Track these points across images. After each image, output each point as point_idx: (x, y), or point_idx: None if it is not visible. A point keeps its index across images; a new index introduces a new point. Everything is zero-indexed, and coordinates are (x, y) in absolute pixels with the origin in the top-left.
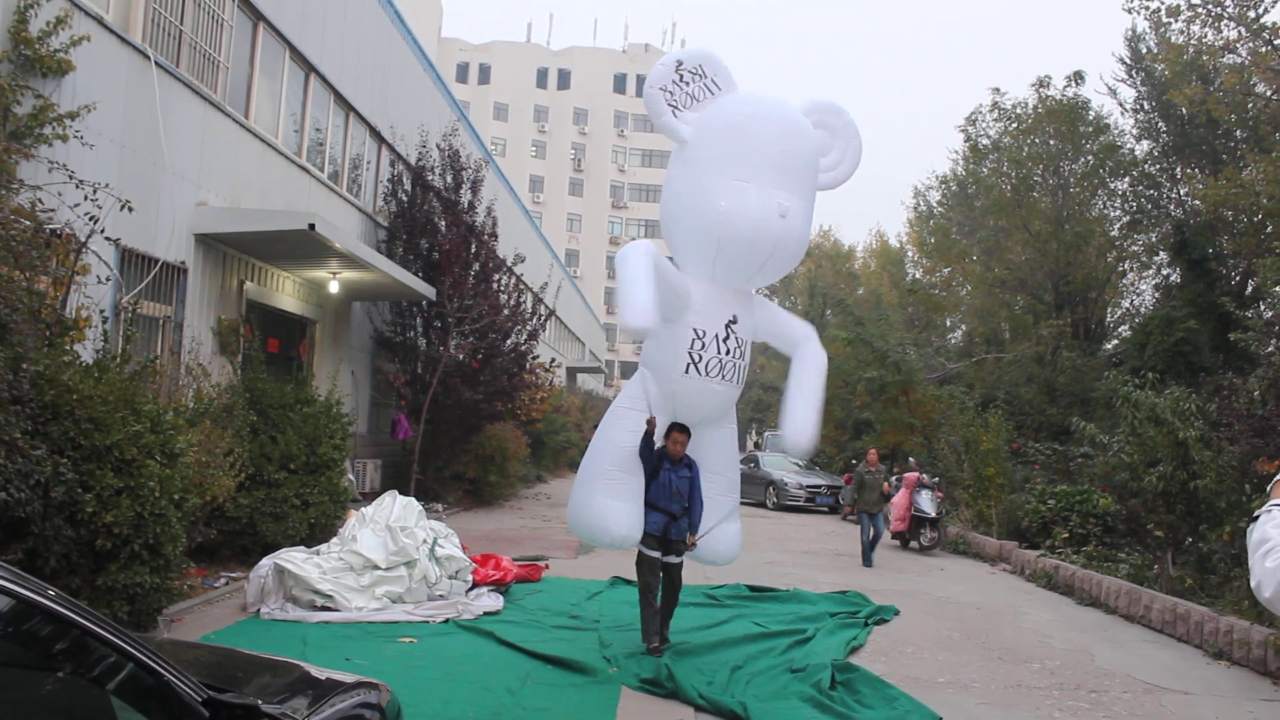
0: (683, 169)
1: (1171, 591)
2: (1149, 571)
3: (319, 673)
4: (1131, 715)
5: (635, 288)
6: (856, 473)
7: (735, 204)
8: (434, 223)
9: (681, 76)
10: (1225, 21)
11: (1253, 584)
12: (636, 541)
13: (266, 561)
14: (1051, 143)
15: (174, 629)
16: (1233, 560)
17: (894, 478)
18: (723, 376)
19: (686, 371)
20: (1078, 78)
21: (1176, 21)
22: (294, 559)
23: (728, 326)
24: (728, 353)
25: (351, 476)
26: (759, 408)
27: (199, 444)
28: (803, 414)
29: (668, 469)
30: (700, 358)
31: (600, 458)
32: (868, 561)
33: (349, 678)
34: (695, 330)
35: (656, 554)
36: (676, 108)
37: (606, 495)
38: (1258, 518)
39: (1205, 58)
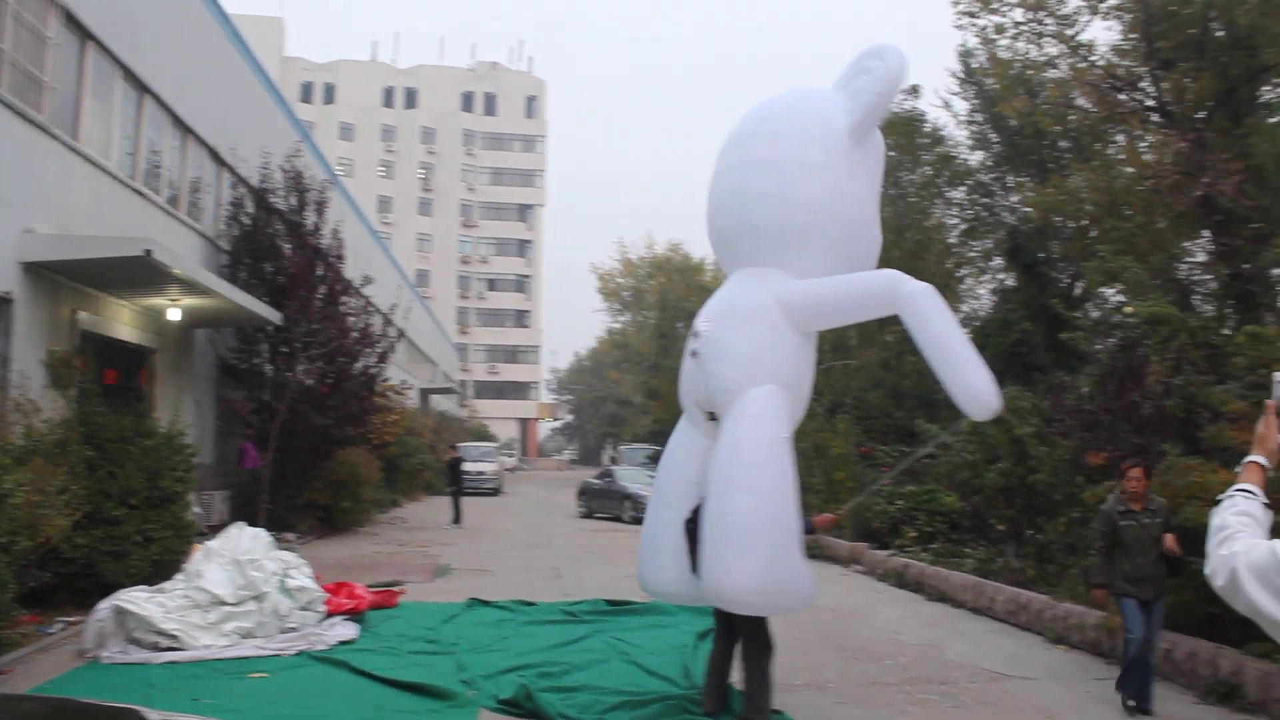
0: (865, 175)
1: (1014, 582)
2: (993, 565)
3: (158, 716)
4: (979, 703)
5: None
6: (1103, 513)
7: (879, 237)
8: (278, 246)
9: None
10: (1046, 39)
11: (1206, 571)
12: None
13: (105, 603)
14: (891, 153)
15: (3, 681)
16: (1068, 549)
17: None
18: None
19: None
20: (914, 91)
21: (1003, 38)
22: (135, 599)
23: None
24: None
25: (198, 509)
26: (613, 422)
27: (29, 483)
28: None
29: None
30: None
31: (793, 509)
32: (1143, 704)
33: (188, 719)
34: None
35: None
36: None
37: (803, 552)
38: (1220, 502)
39: (1030, 72)
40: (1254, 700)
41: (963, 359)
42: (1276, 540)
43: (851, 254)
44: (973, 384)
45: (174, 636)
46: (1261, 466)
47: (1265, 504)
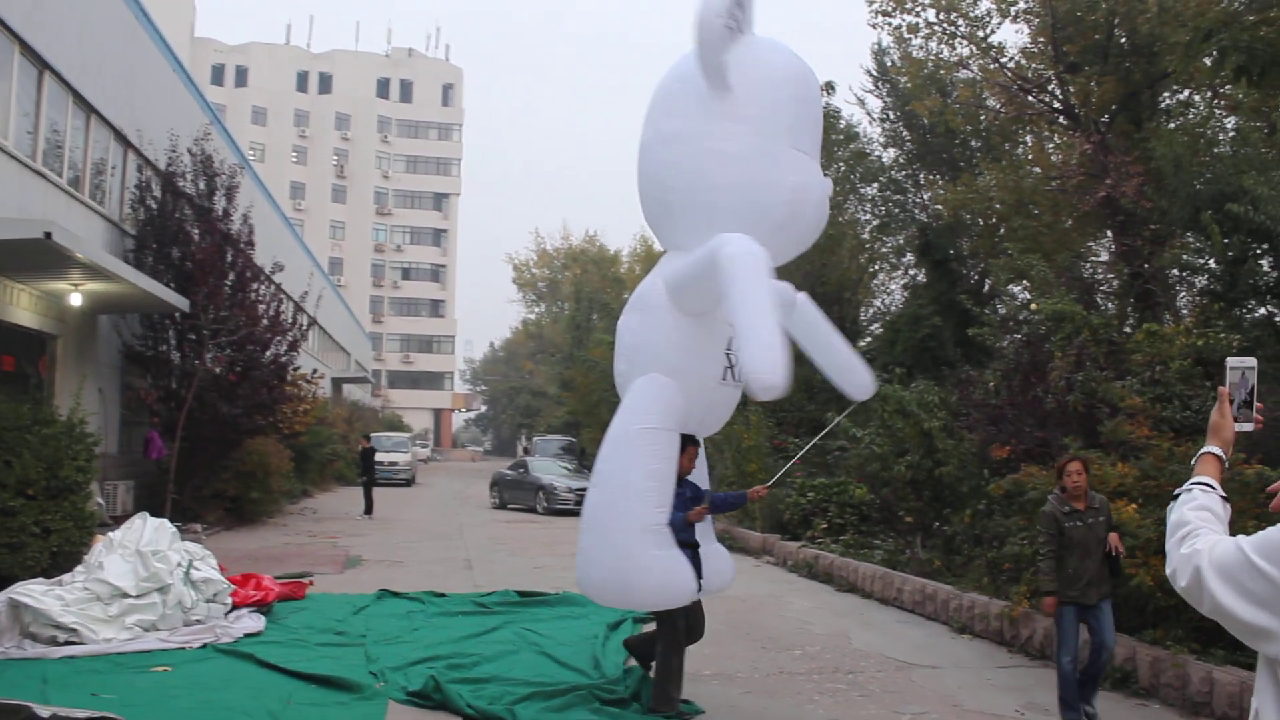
0: (733, 126)
1: (921, 573)
2: (901, 556)
3: (44, 711)
4: (885, 692)
5: (775, 330)
6: (1046, 515)
7: (803, 180)
8: (186, 231)
9: (741, 4)
10: (959, 40)
11: (1168, 571)
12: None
13: (0, 597)
14: None
15: None
16: (974, 541)
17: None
18: (734, 379)
19: (724, 378)
20: (829, 88)
21: (916, 38)
22: (32, 592)
23: None
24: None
25: (100, 500)
26: (527, 413)
27: None
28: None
29: (678, 493)
30: (732, 360)
31: (641, 501)
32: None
33: (81, 713)
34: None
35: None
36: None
37: (662, 546)
38: (1178, 496)
39: (942, 72)
40: (1145, 685)
41: (749, 327)
42: (1242, 536)
43: (740, 214)
44: (752, 356)
45: (73, 630)
46: (1217, 458)
47: (1223, 497)
